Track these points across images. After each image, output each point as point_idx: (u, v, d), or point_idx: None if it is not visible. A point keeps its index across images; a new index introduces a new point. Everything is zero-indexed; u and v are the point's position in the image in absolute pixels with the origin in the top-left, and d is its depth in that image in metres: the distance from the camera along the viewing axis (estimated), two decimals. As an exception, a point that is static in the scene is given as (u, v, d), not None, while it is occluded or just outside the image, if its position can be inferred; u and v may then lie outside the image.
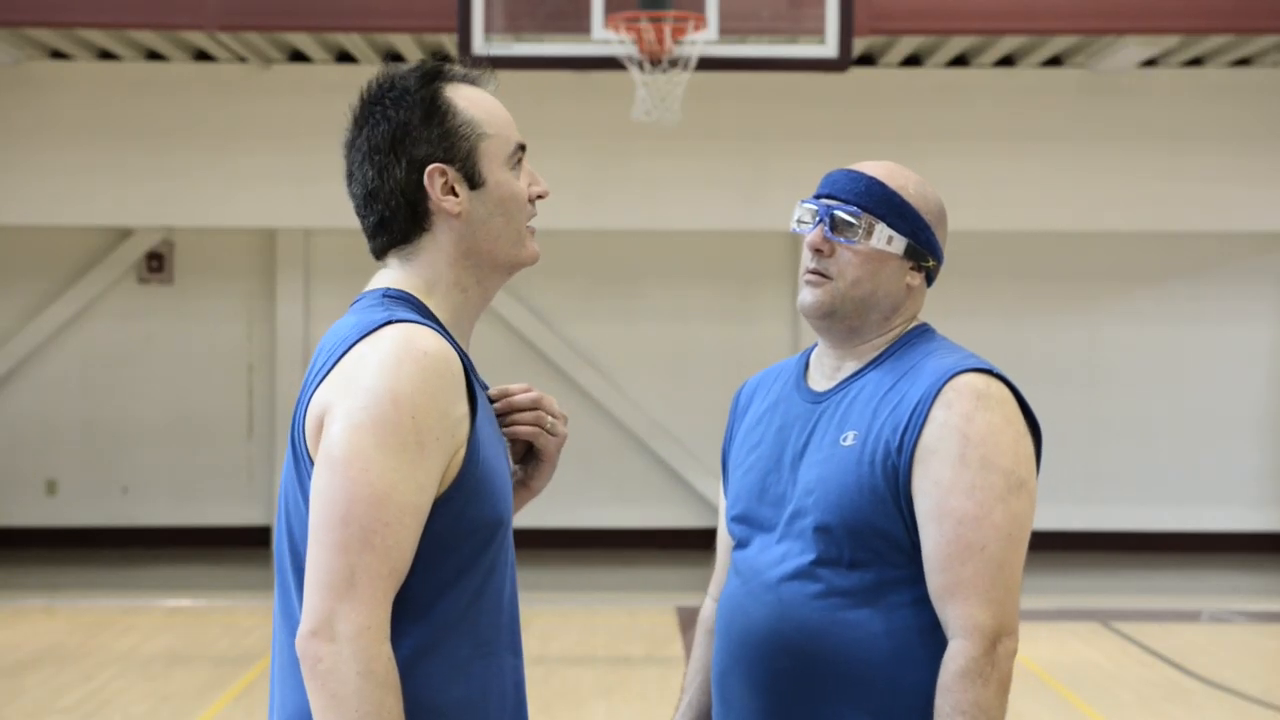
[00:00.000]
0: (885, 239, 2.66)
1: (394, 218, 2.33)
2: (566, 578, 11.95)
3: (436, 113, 2.32)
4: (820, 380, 2.74)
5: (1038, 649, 9.01)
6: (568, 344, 13.07)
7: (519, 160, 2.38)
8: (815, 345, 2.80)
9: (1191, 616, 10.34)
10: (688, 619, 10.13)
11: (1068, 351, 13.06)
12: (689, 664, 2.92)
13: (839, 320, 2.68)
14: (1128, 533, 13.18)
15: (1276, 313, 13.12)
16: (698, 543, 13.04)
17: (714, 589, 2.90)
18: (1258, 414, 13.13)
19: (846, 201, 2.67)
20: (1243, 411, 13.12)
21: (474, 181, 2.33)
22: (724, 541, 2.88)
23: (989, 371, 2.60)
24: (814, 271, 2.68)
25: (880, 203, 2.66)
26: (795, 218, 2.73)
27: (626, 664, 8.85)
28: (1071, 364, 13.03)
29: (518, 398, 2.47)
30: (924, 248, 2.70)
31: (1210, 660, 8.90)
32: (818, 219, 2.69)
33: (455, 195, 2.32)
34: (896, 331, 2.71)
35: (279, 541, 2.31)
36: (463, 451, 2.22)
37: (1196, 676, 8.49)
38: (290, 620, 2.28)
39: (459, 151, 2.32)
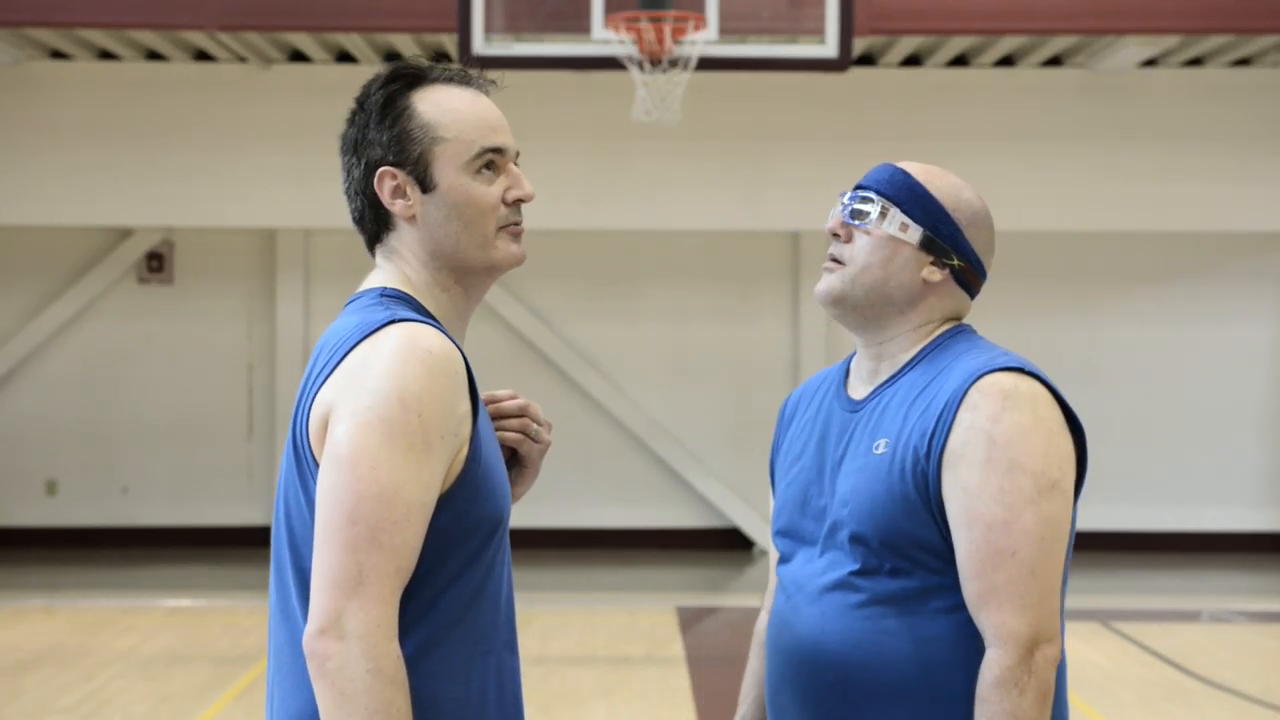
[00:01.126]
0: (898, 225, 2.62)
1: (361, 218, 2.39)
2: (566, 578, 11.95)
3: (389, 115, 2.34)
4: (859, 387, 2.70)
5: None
6: (568, 344, 13.07)
7: (488, 164, 2.36)
8: (856, 352, 2.75)
9: (1191, 616, 10.34)
10: (688, 619, 10.13)
11: (1068, 351, 13.06)
12: (744, 677, 2.89)
13: (850, 308, 2.65)
14: (1128, 533, 13.18)
15: (1276, 313, 13.12)
16: (698, 543, 13.05)
17: (768, 601, 2.86)
18: (1258, 414, 13.13)
19: (868, 188, 2.66)
20: (1243, 411, 13.12)
21: (425, 185, 2.34)
22: (775, 554, 2.84)
23: (1020, 369, 2.52)
24: (831, 258, 2.67)
25: (900, 190, 2.64)
26: (832, 213, 2.71)
27: (626, 664, 8.85)
28: (1071, 364, 13.03)
29: (505, 404, 2.49)
30: (945, 243, 2.64)
31: (1210, 660, 8.90)
32: (844, 206, 2.68)
33: (406, 198, 2.34)
34: (928, 332, 2.66)
35: (277, 541, 2.31)
36: (465, 450, 2.23)
37: (1196, 676, 8.49)
38: (289, 620, 2.28)
39: (410, 155, 2.33)
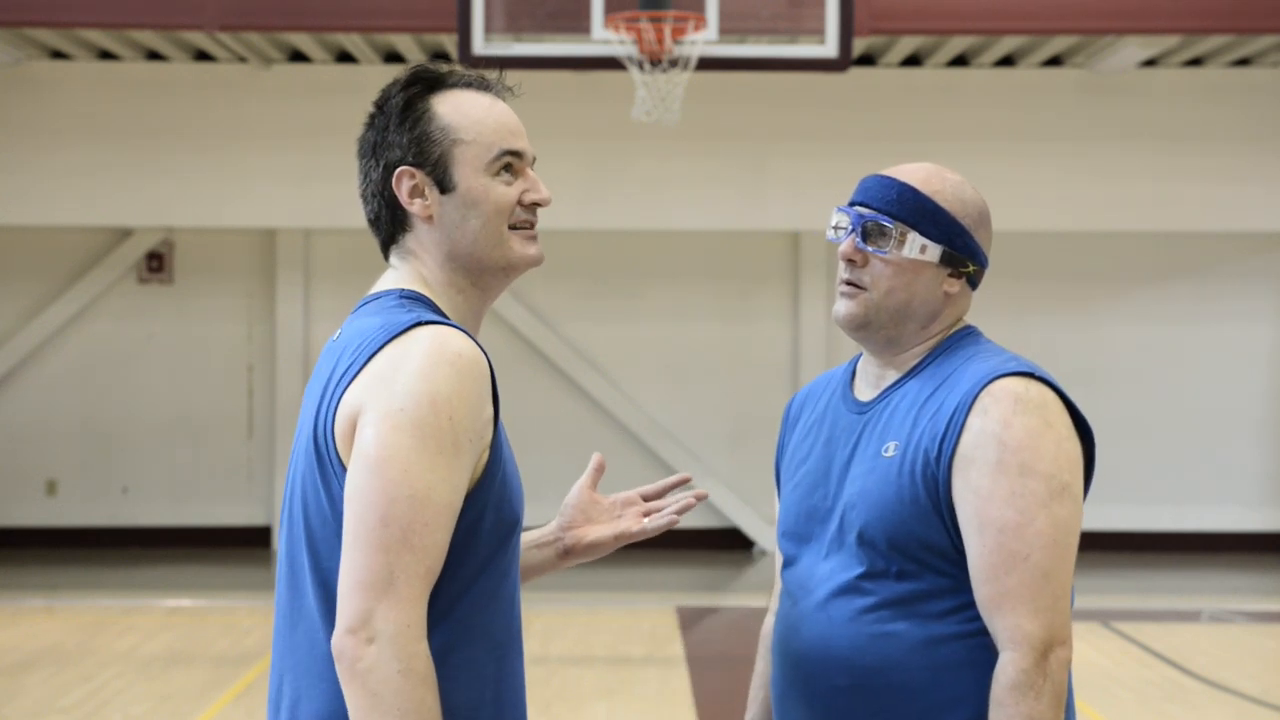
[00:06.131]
0: (919, 248, 2.60)
1: (378, 218, 2.41)
2: (566, 578, 11.94)
3: (409, 118, 2.38)
4: (865, 390, 2.68)
5: (1038, 649, 9.00)
6: (568, 344, 13.07)
7: (506, 166, 2.40)
8: (862, 353, 2.73)
9: (1191, 616, 10.34)
10: (688, 619, 10.13)
11: (1068, 351, 13.06)
12: (753, 679, 2.88)
13: (874, 331, 2.62)
14: (1128, 533, 13.18)
15: (1276, 313, 13.12)
16: (698, 543, 13.04)
17: (774, 604, 2.85)
18: (1258, 414, 13.13)
19: (878, 210, 2.61)
20: (1243, 411, 13.12)
21: (444, 186, 2.37)
22: (780, 557, 2.82)
23: (1030, 374, 2.52)
24: (848, 282, 2.63)
25: (913, 210, 2.60)
26: (832, 223, 2.66)
27: (626, 664, 8.85)
28: (1071, 364, 13.03)
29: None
30: (961, 254, 2.63)
31: (1210, 660, 8.90)
32: (851, 228, 2.63)
33: (424, 198, 2.36)
34: (938, 337, 2.65)
35: (293, 543, 2.31)
36: (487, 454, 2.25)
37: (1196, 676, 8.49)
38: (305, 620, 2.28)
39: (429, 156, 2.37)
